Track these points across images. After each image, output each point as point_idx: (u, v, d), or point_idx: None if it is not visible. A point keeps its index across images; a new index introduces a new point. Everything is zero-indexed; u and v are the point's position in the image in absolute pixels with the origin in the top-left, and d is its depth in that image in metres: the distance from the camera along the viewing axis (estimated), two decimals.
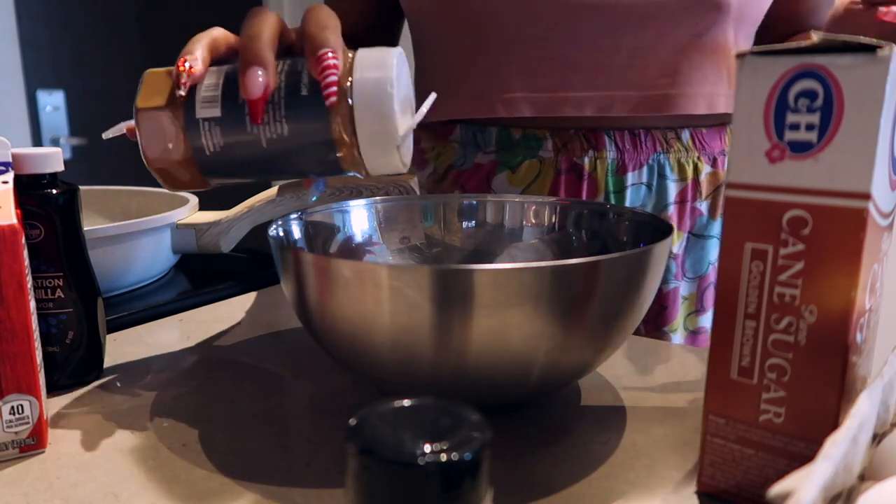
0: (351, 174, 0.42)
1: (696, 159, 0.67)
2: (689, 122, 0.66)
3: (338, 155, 0.40)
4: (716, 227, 0.69)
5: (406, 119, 0.41)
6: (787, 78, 0.28)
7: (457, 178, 0.71)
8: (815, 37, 0.27)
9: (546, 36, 0.62)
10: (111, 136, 0.45)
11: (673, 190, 0.67)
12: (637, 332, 0.70)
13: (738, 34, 0.65)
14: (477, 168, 0.69)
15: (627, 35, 0.61)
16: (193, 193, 0.78)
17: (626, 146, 0.65)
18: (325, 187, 0.52)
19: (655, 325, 0.70)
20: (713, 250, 0.69)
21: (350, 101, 0.39)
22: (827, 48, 0.27)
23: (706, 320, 0.71)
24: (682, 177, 0.67)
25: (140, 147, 0.41)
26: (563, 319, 0.34)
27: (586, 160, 0.65)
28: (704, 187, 0.68)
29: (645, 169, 0.66)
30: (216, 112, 0.40)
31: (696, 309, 0.71)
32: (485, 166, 0.69)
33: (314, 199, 0.50)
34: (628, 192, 0.66)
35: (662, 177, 0.66)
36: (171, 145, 0.41)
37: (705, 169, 0.67)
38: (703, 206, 0.68)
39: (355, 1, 0.76)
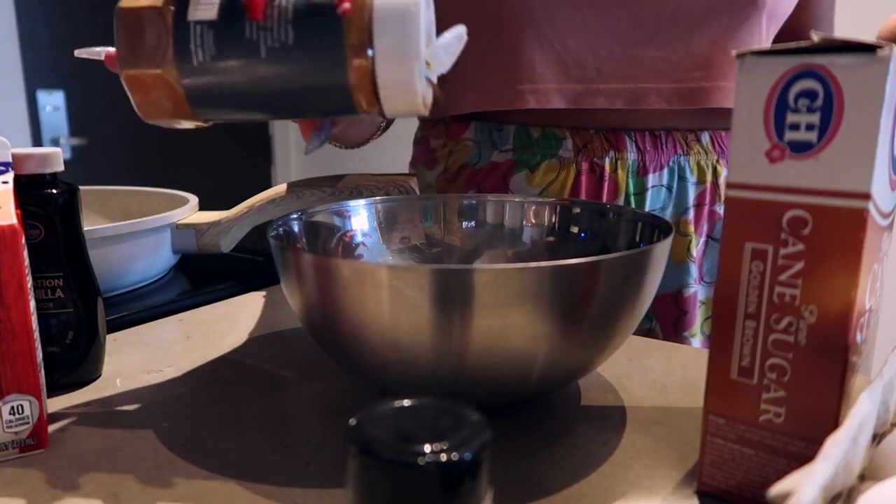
0: (361, 115, 0.36)
1: (715, 162, 0.67)
2: (709, 123, 0.66)
3: (350, 80, 0.34)
4: None
5: (432, 49, 0.35)
6: (787, 78, 0.28)
7: (471, 177, 0.69)
8: (816, 37, 0.27)
9: (578, 27, 0.62)
10: (84, 55, 0.40)
11: (692, 193, 0.66)
12: (655, 338, 0.69)
13: (770, 29, 0.64)
14: (493, 167, 0.68)
15: (661, 27, 0.61)
16: (189, 195, 0.78)
17: (646, 147, 0.65)
18: (327, 138, 0.43)
19: (675, 330, 0.69)
20: None
21: (369, 10, 0.33)
22: (827, 48, 0.27)
23: None
24: (701, 179, 0.66)
25: (117, 56, 0.35)
26: (563, 319, 0.34)
27: (607, 161, 0.64)
28: (724, 190, 0.67)
29: (665, 171, 0.65)
30: (211, 14, 0.34)
31: None
32: (502, 165, 0.67)
33: (311, 149, 0.42)
34: (649, 195, 0.65)
35: (682, 179, 0.66)
36: (153, 50, 0.35)
37: (724, 172, 0.67)
38: (722, 210, 0.67)
39: None
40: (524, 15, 0.63)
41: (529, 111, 0.65)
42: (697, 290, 0.69)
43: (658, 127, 0.65)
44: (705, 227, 0.68)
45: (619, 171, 0.65)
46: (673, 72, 0.62)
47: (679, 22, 0.61)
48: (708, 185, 0.67)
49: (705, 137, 0.66)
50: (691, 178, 0.66)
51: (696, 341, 0.70)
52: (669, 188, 0.66)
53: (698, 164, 0.66)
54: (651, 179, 0.65)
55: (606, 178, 0.65)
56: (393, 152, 2.41)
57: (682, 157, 0.65)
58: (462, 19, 0.67)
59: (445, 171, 0.72)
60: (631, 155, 0.65)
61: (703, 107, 0.63)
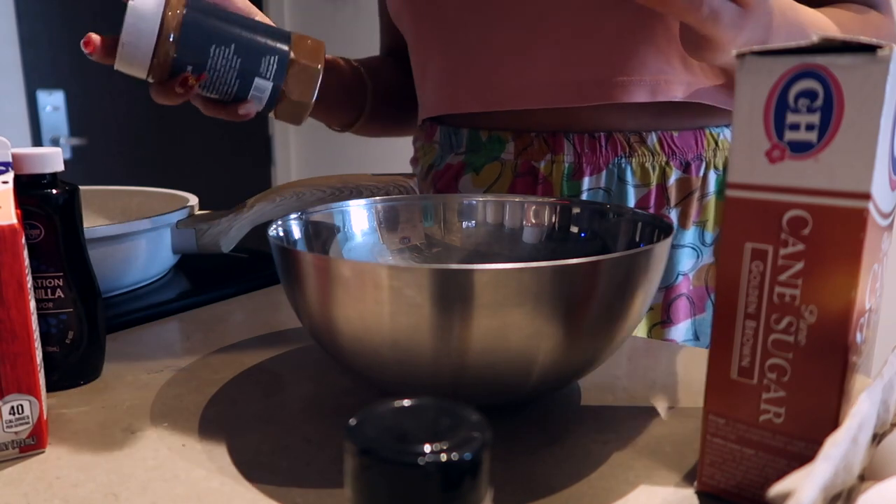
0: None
1: (663, 164, 0.63)
2: (657, 124, 0.63)
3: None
4: (687, 236, 0.65)
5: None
6: (787, 78, 0.28)
7: (433, 177, 0.73)
8: (815, 37, 0.27)
9: (480, 33, 0.64)
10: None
11: (633, 196, 0.64)
12: None
13: None
14: (447, 169, 0.71)
15: (558, 25, 0.61)
16: (189, 195, 0.78)
17: (584, 150, 0.63)
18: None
19: None
20: (684, 260, 0.65)
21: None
22: (827, 48, 0.27)
23: (675, 333, 0.67)
24: (644, 182, 0.63)
25: None
26: (563, 319, 0.34)
27: (542, 164, 0.65)
28: (673, 194, 0.64)
29: (604, 173, 0.64)
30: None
31: (663, 320, 0.67)
32: (454, 167, 0.71)
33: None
34: (584, 198, 0.64)
35: (622, 181, 0.63)
36: None
37: (674, 174, 0.64)
38: (672, 214, 0.64)
39: (386, 22, 0.84)
40: (434, 23, 0.66)
41: (477, 115, 0.68)
42: None
43: (599, 128, 0.63)
44: None
45: (554, 173, 0.64)
46: (574, 69, 0.61)
47: (576, 21, 0.60)
48: (653, 187, 0.63)
49: (652, 138, 0.63)
50: (632, 181, 0.63)
51: None
52: (608, 191, 0.64)
53: (642, 167, 0.63)
54: (587, 182, 0.64)
55: (541, 180, 0.65)
56: (393, 152, 2.41)
57: (623, 160, 0.63)
58: (410, 35, 0.71)
59: (420, 170, 0.76)
60: (567, 157, 0.64)
61: (604, 102, 0.61)
